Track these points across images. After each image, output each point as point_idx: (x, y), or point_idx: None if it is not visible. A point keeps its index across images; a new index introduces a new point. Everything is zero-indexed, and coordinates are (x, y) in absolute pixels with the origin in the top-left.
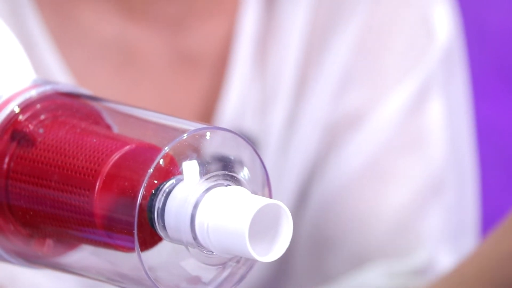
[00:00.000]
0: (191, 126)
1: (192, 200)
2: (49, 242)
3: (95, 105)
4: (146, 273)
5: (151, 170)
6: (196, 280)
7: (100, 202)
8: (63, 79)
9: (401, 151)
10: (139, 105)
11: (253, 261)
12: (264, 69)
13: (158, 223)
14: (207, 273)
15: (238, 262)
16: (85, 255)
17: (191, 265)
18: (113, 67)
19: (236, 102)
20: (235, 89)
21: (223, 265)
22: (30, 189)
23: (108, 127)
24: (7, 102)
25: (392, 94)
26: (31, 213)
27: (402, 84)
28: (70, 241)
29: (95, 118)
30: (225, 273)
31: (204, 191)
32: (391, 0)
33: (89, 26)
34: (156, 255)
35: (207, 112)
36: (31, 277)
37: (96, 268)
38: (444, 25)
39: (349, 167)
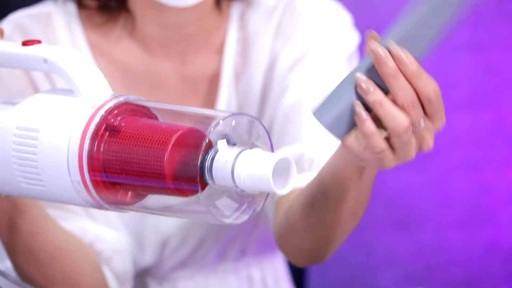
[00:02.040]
0: (221, 113)
1: (230, 159)
2: (131, 193)
3: (151, 107)
4: (204, 203)
5: (206, 141)
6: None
7: (168, 166)
8: None
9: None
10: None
11: (266, 196)
12: (240, 89)
13: (208, 176)
14: (236, 205)
15: (254, 197)
16: (156, 200)
17: (225, 200)
18: (145, 90)
19: (224, 107)
20: (222, 101)
21: (247, 200)
22: (119, 160)
23: (160, 121)
24: (99, 108)
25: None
26: (120, 176)
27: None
28: (143, 192)
29: (152, 116)
30: (246, 204)
31: (237, 154)
32: (320, 31)
33: (124, 61)
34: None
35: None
36: (96, 228)
37: (163, 207)
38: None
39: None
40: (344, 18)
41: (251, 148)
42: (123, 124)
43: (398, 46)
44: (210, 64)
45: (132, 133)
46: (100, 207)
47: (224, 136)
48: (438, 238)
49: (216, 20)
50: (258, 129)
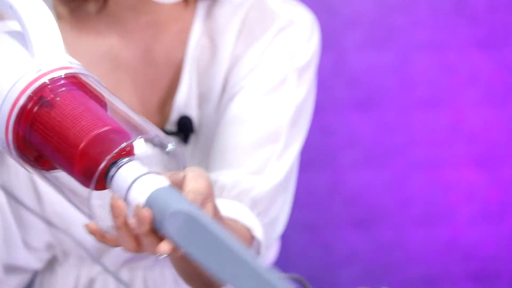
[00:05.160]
0: (149, 129)
1: (129, 180)
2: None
3: (101, 88)
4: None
5: (118, 149)
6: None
7: (78, 159)
8: None
9: (259, 110)
10: (121, 98)
11: None
12: (203, 77)
13: (108, 183)
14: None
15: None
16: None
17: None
18: (106, 70)
19: (185, 96)
20: (182, 92)
21: None
22: (42, 133)
23: (103, 105)
24: (43, 75)
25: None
26: (38, 147)
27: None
28: (55, 167)
29: (98, 98)
30: None
31: (137, 177)
32: (281, 40)
33: (89, 39)
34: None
35: (166, 102)
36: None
37: (63, 186)
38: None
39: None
40: (307, 26)
41: (157, 173)
42: (58, 99)
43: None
44: (174, 53)
45: (60, 114)
46: (6, 150)
47: (141, 152)
48: (397, 237)
49: (183, 12)
50: (178, 156)
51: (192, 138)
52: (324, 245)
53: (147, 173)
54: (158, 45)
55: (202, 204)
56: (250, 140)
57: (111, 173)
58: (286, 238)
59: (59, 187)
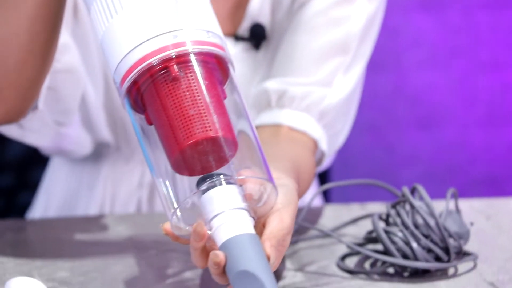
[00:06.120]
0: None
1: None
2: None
3: (234, 79)
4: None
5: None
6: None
7: (177, 154)
8: None
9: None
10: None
11: None
12: None
13: (199, 192)
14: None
15: None
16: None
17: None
18: None
19: (258, 2)
20: None
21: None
22: (154, 102)
23: (222, 92)
24: (177, 45)
25: None
26: (147, 107)
27: None
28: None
29: (220, 87)
30: None
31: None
32: None
33: None
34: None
35: (238, 9)
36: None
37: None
38: None
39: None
40: None
41: (247, 210)
42: (182, 74)
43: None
44: None
45: (178, 92)
46: (118, 89)
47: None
48: (461, 137)
49: None
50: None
51: (264, 45)
52: (387, 146)
53: (237, 208)
54: None
55: (282, 243)
56: (319, 48)
57: (203, 185)
58: (349, 139)
59: (149, 141)
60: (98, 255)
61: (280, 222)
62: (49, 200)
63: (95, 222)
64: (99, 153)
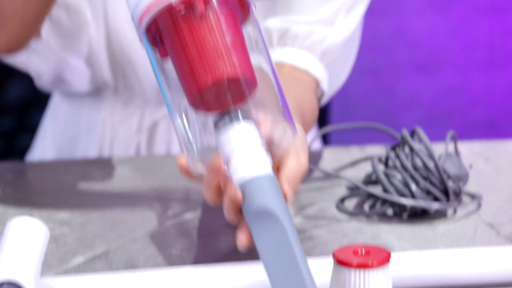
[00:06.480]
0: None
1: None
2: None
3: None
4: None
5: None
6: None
7: (196, 92)
8: None
9: None
10: None
11: None
12: None
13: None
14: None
15: None
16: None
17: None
18: None
19: None
20: None
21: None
22: (175, 37)
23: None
24: None
25: None
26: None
27: None
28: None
29: (241, 26)
30: None
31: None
32: None
33: None
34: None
35: None
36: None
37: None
38: None
39: None
40: None
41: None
42: (203, 12)
43: None
44: None
45: (199, 30)
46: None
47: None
48: (461, 80)
49: None
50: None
51: None
52: (387, 89)
53: (257, 147)
54: None
55: (298, 183)
56: None
57: (221, 123)
58: (349, 83)
59: (165, 76)
60: (98, 196)
61: (298, 163)
62: (48, 142)
63: (95, 164)
64: (98, 95)
